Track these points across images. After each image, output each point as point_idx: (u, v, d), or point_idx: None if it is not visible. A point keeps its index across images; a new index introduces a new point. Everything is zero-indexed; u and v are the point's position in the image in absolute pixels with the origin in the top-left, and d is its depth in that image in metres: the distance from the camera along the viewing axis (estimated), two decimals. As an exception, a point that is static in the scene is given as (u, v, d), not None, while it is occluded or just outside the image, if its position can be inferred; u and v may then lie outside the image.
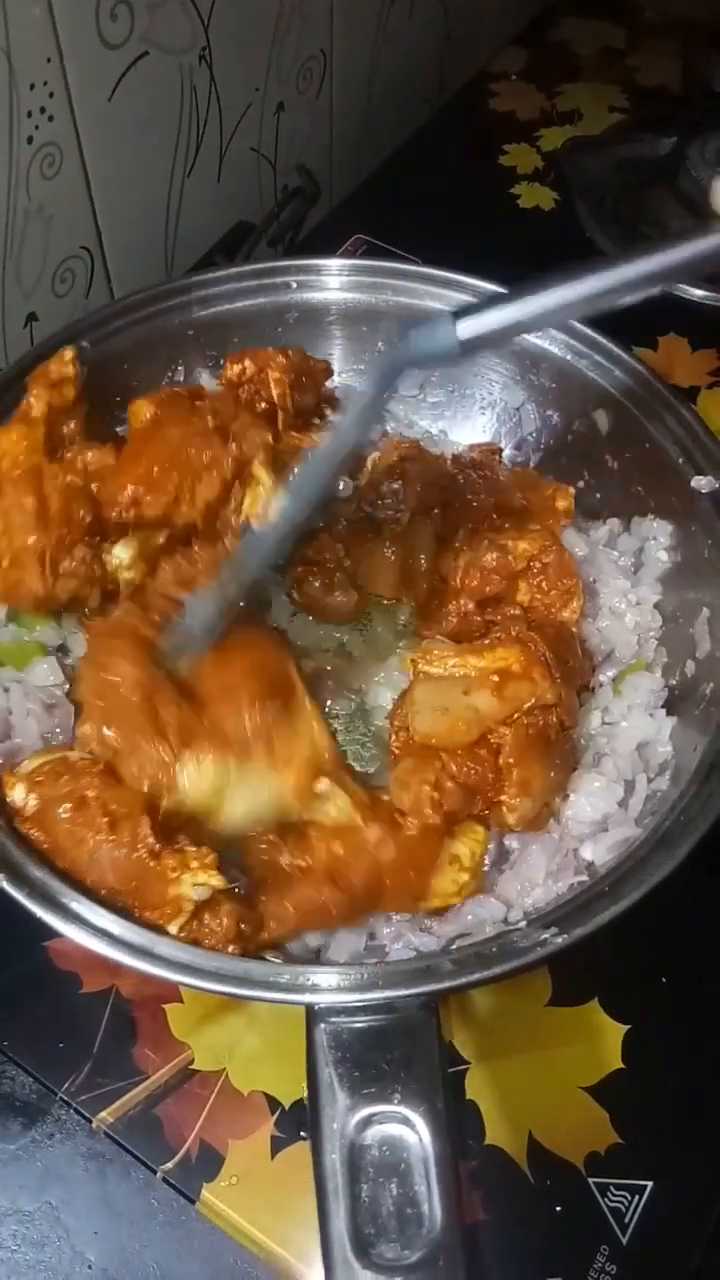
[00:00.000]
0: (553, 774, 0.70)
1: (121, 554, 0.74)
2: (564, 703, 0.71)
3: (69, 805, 0.63)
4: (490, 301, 0.58)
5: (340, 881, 0.64)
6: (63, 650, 0.77)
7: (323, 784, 0.67)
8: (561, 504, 0.83)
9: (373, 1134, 0.55)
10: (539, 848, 0.69)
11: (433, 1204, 0.53)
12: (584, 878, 0.68)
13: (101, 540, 0.74)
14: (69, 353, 0.78)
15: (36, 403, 0.77)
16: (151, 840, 0.61)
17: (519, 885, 0.68)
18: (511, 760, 0.68)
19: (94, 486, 0.74)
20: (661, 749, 0.73)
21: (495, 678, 0.70)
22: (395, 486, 0.84)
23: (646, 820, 0.68)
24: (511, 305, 0.58)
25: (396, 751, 0.72)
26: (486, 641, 0.74)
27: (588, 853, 0.69)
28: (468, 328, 0.57)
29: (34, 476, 0.72)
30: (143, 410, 0.77)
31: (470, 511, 0.83)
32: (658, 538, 0.82)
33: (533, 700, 0.70)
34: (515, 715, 0.70)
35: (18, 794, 0.64)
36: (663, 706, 0.75)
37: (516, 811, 0.68)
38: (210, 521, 0.74)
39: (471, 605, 0.78)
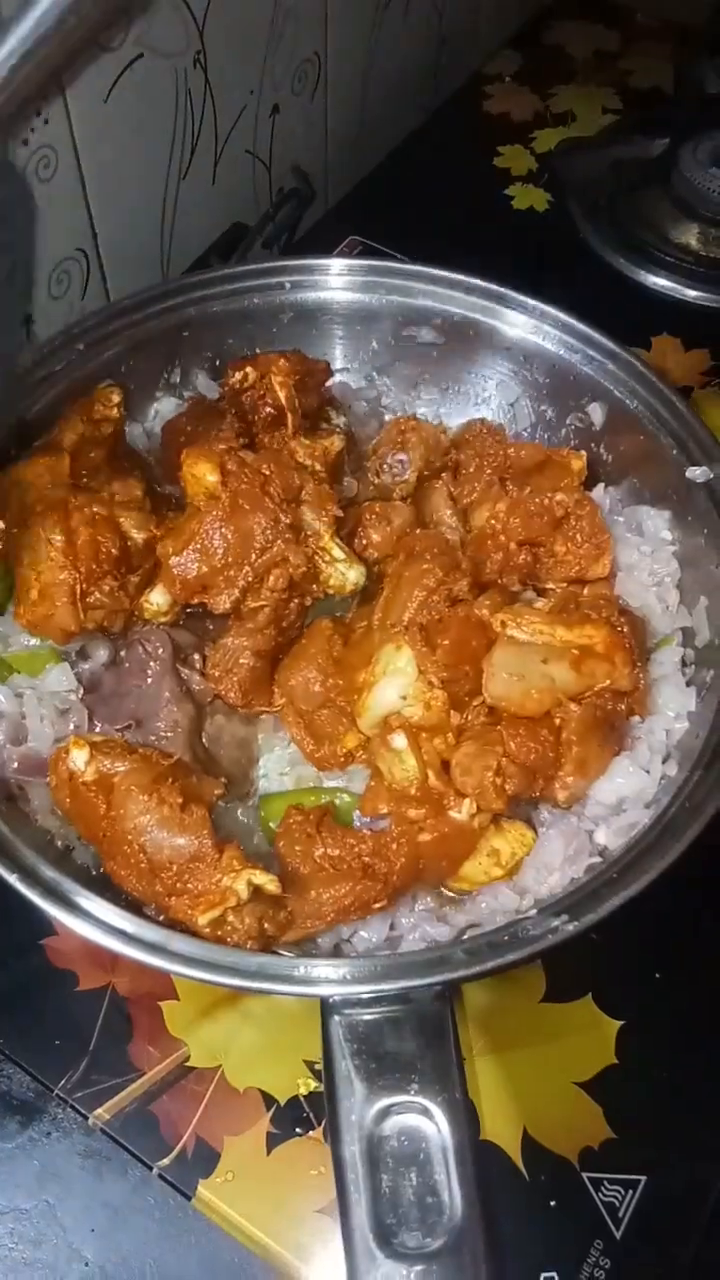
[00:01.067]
0: (608, 756, 0.71)
1: (159, 600, 0.75)
2: (638, 693, 0.72)
3: (138, 781, 0.65)
4: None
5: (376, 872, 0.66)
6: (82, 655, 0.77)
7: (399, 739, 0.68)
8: (576, 464, 0.84)
9: (391, 1125, 0.56)
10: (557, 832, 0.69)
11: (453, 1192, 0.54)
12: (598, 859, 0.68)
13: (128, 572, 0.74)
14: (115, 395, 0.76)
15: (69, 433, 0.75)
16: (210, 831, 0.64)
17: (536, 871, 0.69)
18: (574, 738, 0.69)
19: (121, 520, 0.75)
20: (679, 724, 0.73)
21: (576, 652, 0.71)
22: (400, 457, 0.86)
23: (653, 805, 0.68)
24: None
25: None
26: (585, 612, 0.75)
27: (601, 837, 0.69)
28: None
29: (60, 509, 0.72)
30: (204, 472, 0.75)
31: (482, 474, 0.85)
32: (657, 525, 0.82)
33: (608, 683, 0.71)
34: (586, 694, 0.71)
35: (78, 758, 0.66)
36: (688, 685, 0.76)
37: (569, 790, 0.69)
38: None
39: (514, 545, 0.79)
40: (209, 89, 1.01)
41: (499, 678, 0.70)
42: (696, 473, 0.79)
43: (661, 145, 1.24)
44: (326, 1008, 0.59)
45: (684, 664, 0.76)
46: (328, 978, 0.59)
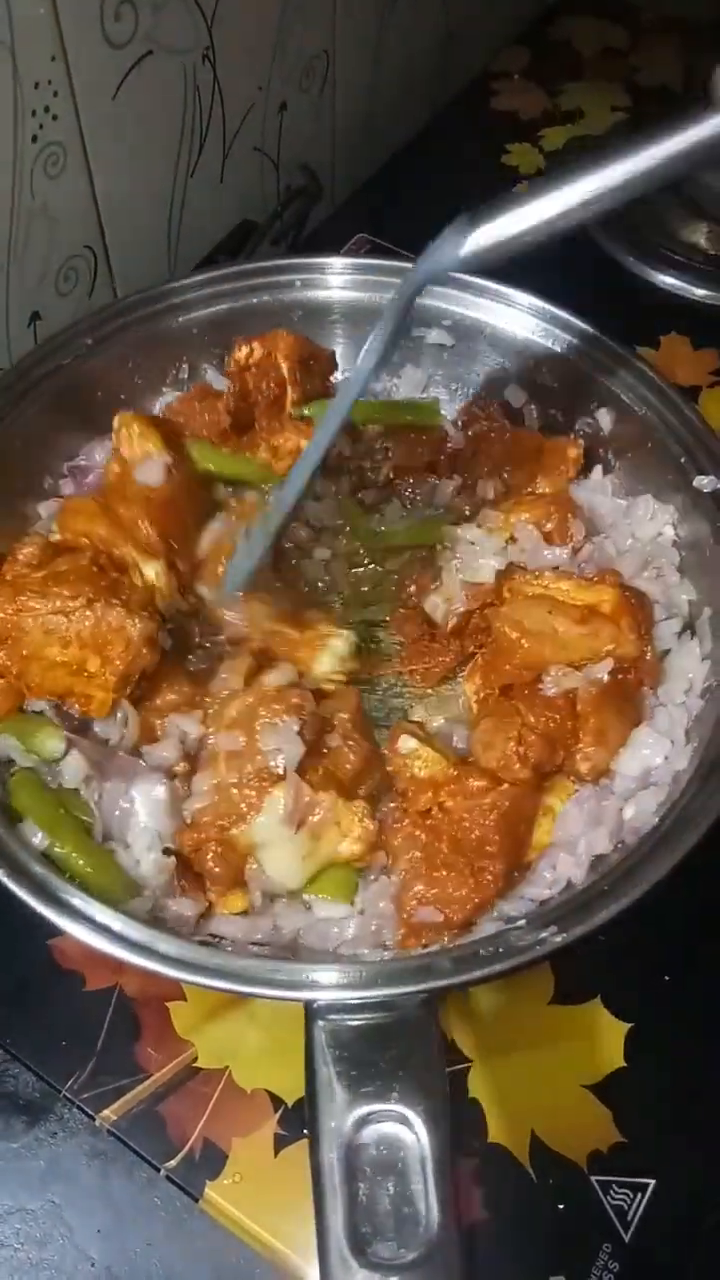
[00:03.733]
0: (626, 727, 0.71)
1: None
2: (645, 662, 0.73)
3: None
4: (505, 203, 0.58)
5: (489, 845, 0.66)
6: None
7: (408, 742, 0.71)
8: (572, 453, 0.85)
9: (370, 1133, 0.55)
10: (570, 804, 0.70)
11: (429, 1203, 0.53)
12: (622, 832, 0.68)
13: None
14: None
15: None
16: None
17: (561, 844, 0.69)
18: (589, 709, 0.70)
19: None
20: (690, 674, 0.73)
21: (582, 609, 0.72)
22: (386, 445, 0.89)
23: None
24: (528, 205, 0.57)
25: (475, 707, 0.75)
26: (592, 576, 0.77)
27: (630, 813, 0.69)
28: (482, 236, 0.59)
29: None
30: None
31: (479, 463, 0.87)
32: (660, 519, 0.82)
33: (612, 646, 0.71)
34: (589, 659, 0.72)
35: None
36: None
37: (590, 761, 0.70)
38: None
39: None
40: (217, 86, 1.00)
41: (506, 618, 0.73)
42: (704, 482, 0.79)
43: (670, 143, 1.23)
44: (310, 1013, 0.58)
45: (689, 634, 0.76)
46: (313, 982, 0.59)
